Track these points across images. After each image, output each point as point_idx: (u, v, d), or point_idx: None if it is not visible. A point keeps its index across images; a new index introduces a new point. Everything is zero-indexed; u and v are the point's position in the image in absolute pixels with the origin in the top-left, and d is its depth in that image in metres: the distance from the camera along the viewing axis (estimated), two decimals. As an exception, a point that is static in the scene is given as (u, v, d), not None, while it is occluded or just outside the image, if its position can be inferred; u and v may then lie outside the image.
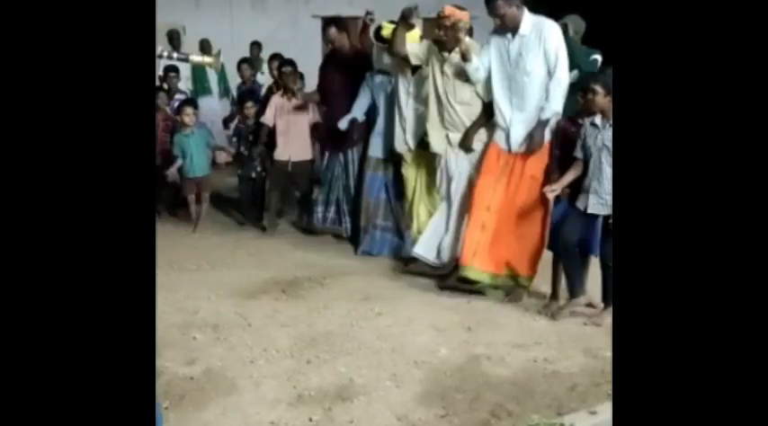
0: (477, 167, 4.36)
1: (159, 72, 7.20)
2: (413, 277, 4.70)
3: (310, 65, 6.60)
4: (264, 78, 7.67)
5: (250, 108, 6.05)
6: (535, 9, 4.16)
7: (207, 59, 6.76)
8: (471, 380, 3.22)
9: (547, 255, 4.20)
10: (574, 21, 5.05)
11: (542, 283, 4.33)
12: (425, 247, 4.59)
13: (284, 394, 3.07)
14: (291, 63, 5.95)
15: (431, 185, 4.86)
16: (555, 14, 4.27)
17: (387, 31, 4.76)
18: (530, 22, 4.05)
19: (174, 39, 8.27)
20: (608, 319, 3.78)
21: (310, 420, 2.86)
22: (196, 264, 5.01)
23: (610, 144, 3.65)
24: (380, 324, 3.86)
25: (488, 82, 4.21)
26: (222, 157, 7.23)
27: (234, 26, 9.50)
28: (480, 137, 4.38)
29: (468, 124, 4.38)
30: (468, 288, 4.33)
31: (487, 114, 4.31)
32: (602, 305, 3.98)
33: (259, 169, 6.03)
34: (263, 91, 6.88)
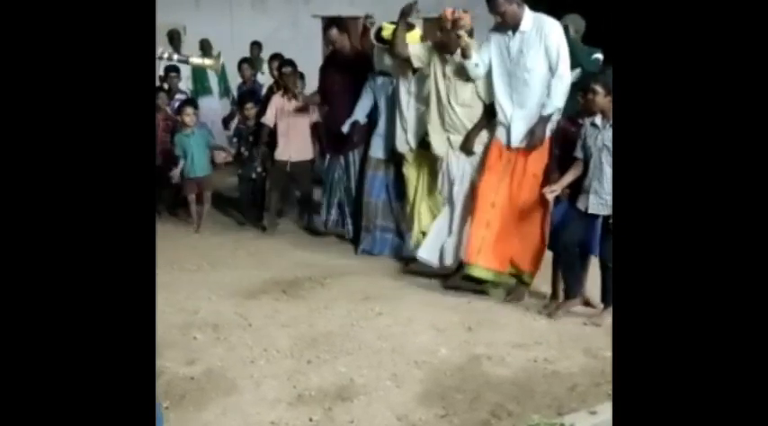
0: (479, 167, 4.36)
1: (160, 72, 7.21)
2: (413, 277, 4.70)
3: (310, 65, 6.61)
4: (265, 78, 7.68)
5: (250, 109, 6.05)
6: (535, 8, 4.16)
7: (207, 62, 6.71)
8: (471, 380, 3.22)
9: (547, 255, 4.20)
10: (574, 20, 5.04)
11: (542, 283, 4.34)
12: (429, 251, 4.57)
13: (284, 395, 3.07)
14: (291, 63, 5.96)
15: (432, 185, 4.85)
16: (555, 14, 4.26)
17: (387, 31, 4.74)
18: (530, 19, 4.05)
19: (174, 39, 8.27)
20: (608, 319, 3.77)
21: (310, 420, 2.87)
22: (196, 264, 5.02)
23: (610, 144, 3.66)
24: (381, 324, 3.86)
25: (489, 80, 4.22)
26: (221, 157, 7.22)
27: (234, 26, 9.50)
28: (481, 140, 4.38)
29: (468, 126, 4.37)
30: (473, 287, 4.33)
31: (488, 116, 4.31)
32: (601, 305, 3.99)
33: (259, 169, 6.04)
34: (264, 91, 6.89)
